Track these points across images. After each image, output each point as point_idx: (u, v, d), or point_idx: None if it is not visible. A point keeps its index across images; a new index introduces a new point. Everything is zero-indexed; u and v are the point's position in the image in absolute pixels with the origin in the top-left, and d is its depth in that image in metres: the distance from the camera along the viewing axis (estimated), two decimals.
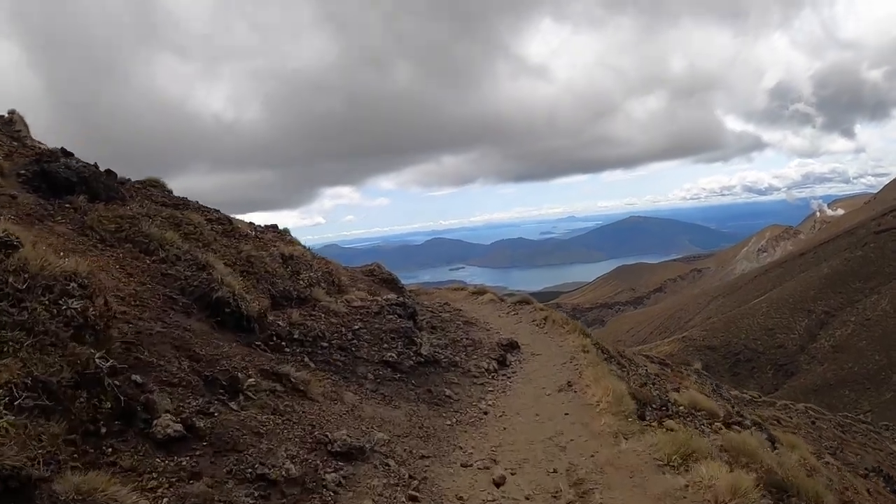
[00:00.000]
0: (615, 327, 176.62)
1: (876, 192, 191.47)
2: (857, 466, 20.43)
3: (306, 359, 7.98)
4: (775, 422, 22.31)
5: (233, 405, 5.62)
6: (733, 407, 19.35)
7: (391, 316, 11.30)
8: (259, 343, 7.59)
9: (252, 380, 6.04)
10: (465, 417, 8.60)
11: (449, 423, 8.24)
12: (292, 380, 6.63)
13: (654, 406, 10.05)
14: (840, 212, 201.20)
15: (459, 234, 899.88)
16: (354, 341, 9.46)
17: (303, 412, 6.20)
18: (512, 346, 13.41)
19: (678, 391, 16.04)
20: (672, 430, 7.77)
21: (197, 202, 12.81)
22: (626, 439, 7.33)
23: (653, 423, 8.37)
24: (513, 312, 18.50)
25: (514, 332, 15.69)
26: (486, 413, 9.13)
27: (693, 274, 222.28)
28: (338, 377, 8.00)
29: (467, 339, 13.37)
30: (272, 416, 5.81)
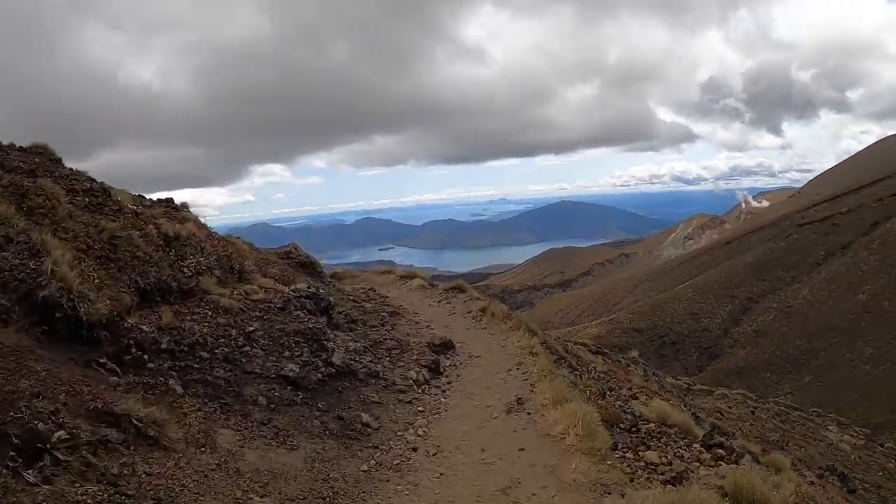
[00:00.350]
0: (544, 309, 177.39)
1: (800, 186, 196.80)
2: (811, 464, 19.44)
3: (173, 380, 5.77)
4: (718, 413, 21.20)
5: (29, 475, 3.52)
6: (686, 405, 17.86)
7: (299, 312, 9.29)
8: (103, 361, 5.29)
9: (66, 431, 3.83)
10: (388, 457, 6.60)
11: (365, 467, 6.21)
12: (136, 423, 4.32)
13: (622, 426, 8.18)
14: (765, 204, 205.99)
15: (390, 215, 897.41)
16: (246, 349, 7.29)
17: (146, 476, 4.03)
18: (446, 345, 11.56)
19: (637, 398, 14.44)
20: (654, 465, 6.15)
21: (72, 169, 10.30)
22: (610, 495, 5.41)
23: (627, 455, 6.75)
24: (445, 301, 16.87)
25: (448, 326, 14.07)
26: (415, 449, 7.12)
27: (621, 259, 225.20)
28: (215, 405, 5.82)
29: (392, 338, 11.34)
30: (95, 490, 3.68)
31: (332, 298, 11.25)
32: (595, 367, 17.06)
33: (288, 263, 15.90)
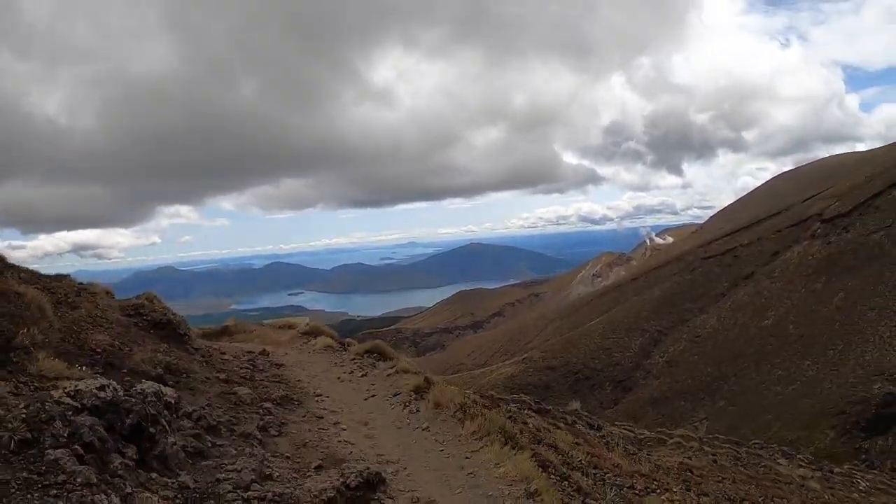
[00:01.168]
0: (456, 351, 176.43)
1: (702, 222, 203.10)
2: None
3: None
4: (688, 472, 18.84)
5: None
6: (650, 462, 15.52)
7: (61, 451, 4.76)
8: None
9: None
10: None
11: None
12: None
13: None
14: (669, 240, 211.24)
15: (299, 259, 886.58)
16: None
17: None
18: (370, 484, 6.58)
19: (652, 491, 11.47)
20: None
21: None
22: None
23: None
24: (360, 371, 12.92)
25: (368, 423, 9.41)
26: None
27: (531, 298, 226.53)
28: None
29: (270, 474, 6.43)
30: None
31: (151, 408, 6.11)
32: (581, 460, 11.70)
33: (136, 323, 10.94)
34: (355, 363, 13.72)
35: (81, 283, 12.42)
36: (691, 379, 76.11)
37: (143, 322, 11.21)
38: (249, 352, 13.17)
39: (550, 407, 20.08)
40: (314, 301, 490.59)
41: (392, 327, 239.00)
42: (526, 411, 17.02)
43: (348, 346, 15.82)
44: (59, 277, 12.16)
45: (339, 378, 12.47)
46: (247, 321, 19.74)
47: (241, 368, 11.35)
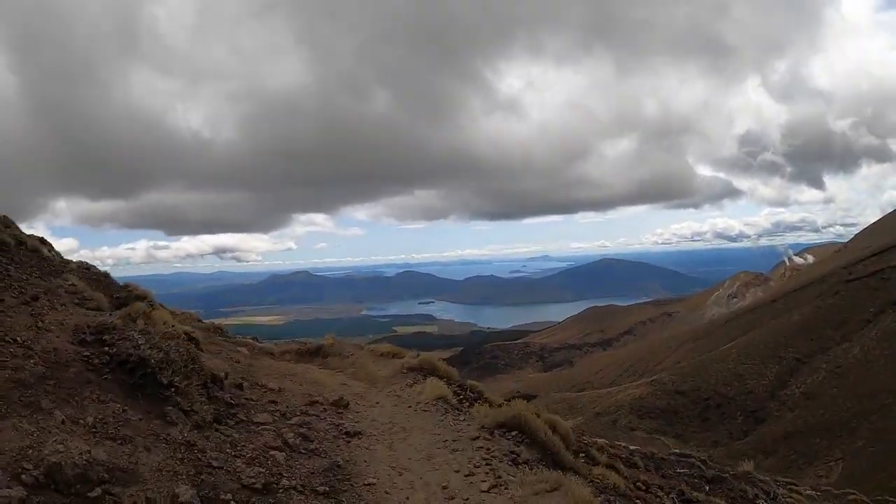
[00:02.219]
0: (584, 368, 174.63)
1: (846, 241, 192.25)
2: None
3: None
4: None
5: None
6: None
7: None
8: None
9: None
10: None
11: None
12: None
13: None
14: (810, 259, 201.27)
15: (431, 269, 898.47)
16: None
17: None
18: None
19: None
20: None
21: None
22: None
23: None
24: (493, 475, 7.99)
25: None
26: None
27: (663, 317, 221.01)
28: None
29: None
30: None
31: None
32: None
33: (88, 358, 7.39)
34: (485, 449, 8.84)
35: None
36: (829, 414, 72.07)
37: (101, 359, 7.44)
38: (313, 402, 10.19)
39: (727, 474, 15.18)
40: (444, 311, 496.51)
41: (520, 341, 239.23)
42: (697, 479, 13.64)
43: (472, 402, 11.71)
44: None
45: (450, 469, 8.18)
46: (348, 343, 18.03)
47: (270, 451, 7.47)
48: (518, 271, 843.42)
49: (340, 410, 10.41)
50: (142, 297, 14.56)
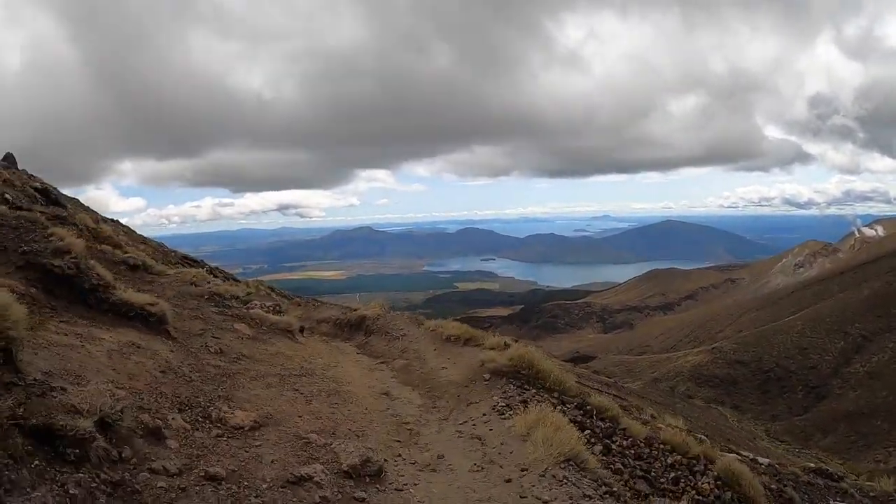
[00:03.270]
0: (644, 331, 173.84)
1: None
2: None
3: None
4: None
5: None
6: None
7: None
8: None
9: None
10: None
11: None
12: None
13: None
14: (880, 232, 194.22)
15: (492, 226, 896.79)
16: None
17: None
18: None
19: None
20: None
21: None
22: None
23: None
24: None
25: None
26: None
27: (727, 283, 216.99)
28: None
29: None
30: None
31: None
32: None
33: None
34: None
35: None
36: (893, 396, 70.72)
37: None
38: (309, 459, 6.24)
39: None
40: (505, 268, 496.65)
41: (580, 301, 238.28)
42: None
43: (609, 446, 8.36)
44: None
45: None
46: (400, 314, 14.75)
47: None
48: (582, 230, 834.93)
49: (363, 489, 5.99)
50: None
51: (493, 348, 11.04)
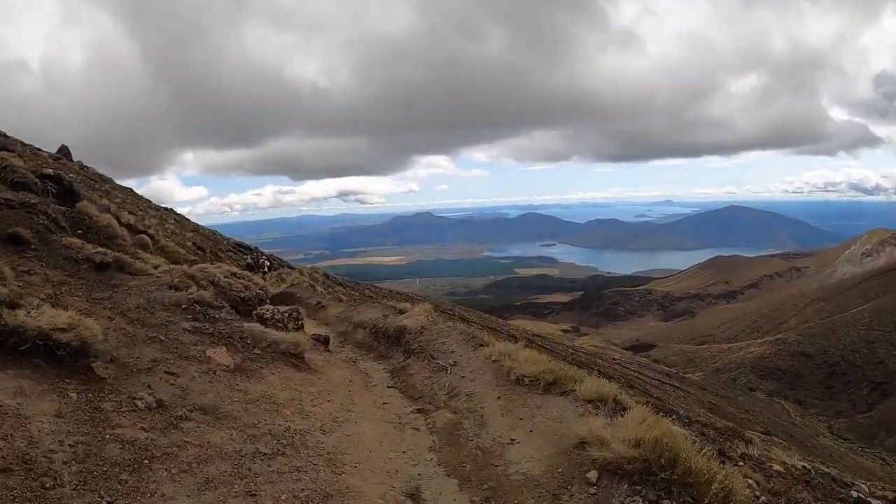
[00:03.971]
0: (706, 320, 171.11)
1: None
2: None
3: None
4: None
5: None
6: None
7: None
8: None
9: None
10: None
11: None
12: None
13: None
14: None
15: (553, 211, 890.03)
16: None
17: None
18: None
19: None
20: None
21: None
22: None
23: None
24: None
25: None
26: None
27: (791, 272, 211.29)
28: None
29: None
30: None
31: None
32: None
33: None
34: None
35: None
36: None
37: None
38: None
39: None
40: (565, 254, 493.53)
41: (641, 287, 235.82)
42: None
43: None
44: None
45: None
46: (452, 327, 11.78)
47: None
48: (643, 215, 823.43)
49: None
50: None
51: (592, 402, 7.07)
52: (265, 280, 33.42)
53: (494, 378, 8.63)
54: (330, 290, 34.14)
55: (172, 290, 9.92)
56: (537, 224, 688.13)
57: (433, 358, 10.24)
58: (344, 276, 66.57)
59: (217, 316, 9.65)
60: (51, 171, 17.24)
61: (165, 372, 7.11)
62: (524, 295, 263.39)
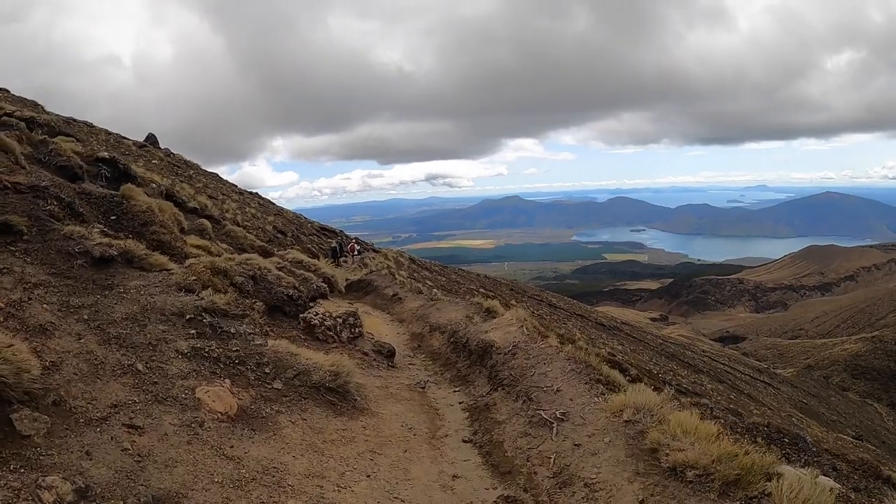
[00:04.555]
0: (798, 313, 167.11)
1: None
2: None
3: None
4: None
5: None
6: None
7: None
8: None
9: None
10: None
11: None
12: None
13: None
14: None
15: (643, 195, 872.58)
16: None
17: None
18: None
19: None
20: None
21: None
22: None
23: None
24: None
25: None
26: None
27: (890, 265, 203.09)
28: None
29: None
30: None
31: None
32: None
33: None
34: None
35: None
36: None
37: None
38: None
39: None
40: (655, 240, 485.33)
41: (732, 276, 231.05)
42: None
43: None
44: None
45: None
46: (557, 348, 8.73)
47: None
48: (736, 201, 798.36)
49: None
50: None
51: None
52: (349, 263, 34.16)
53: (630, 456, 5.59)
54: (414, 274, 34.68)
55: (182, 293, 8.01)
56: (627, 208, 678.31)
57: (530, 400, 7.41)
58: (432, 259, 68.14)
59: (233, 330, 7.58)
60: (106, 154, 16.54)
61: (125, 425, 5.03)
62: (612, 281, 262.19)
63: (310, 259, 21.18)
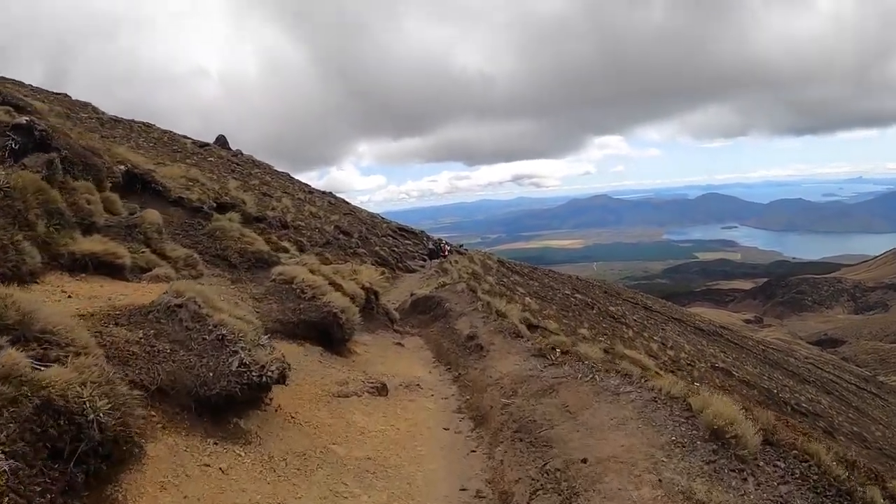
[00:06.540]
0: None
1: None
2: None
3: None
4: None
5: None
6: None
7: None
8: None
9: None
10: None
11: None
12: None
13: None
14: None
15: (734, 191, 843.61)
16: None
17: None
18: None
19: None
20: None
21: None
22: None
23: None
24: None
25: None
26: None
27: None
28: None
29: None
30: None
31: None
32: None
33: None
34: None
35: None
36: None
37: None
38: None
39: None
40: (748, 237, 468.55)
41: (830, 275, 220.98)
42: None
43: None
44: None
45: None
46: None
47: None
48: (832, 194, 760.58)
49: None
50: None
51: None
52: (443, 261, 31.95)
53: None
54: (503, 280, 31.55)
55: (180, 308, 5.72)
56: (718, 205, 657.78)
57: None
58: (520, 260, 67.41)
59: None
60: (23, 120, 11.07)
61: None
62: (704, 281, 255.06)
63: (359, 266, 16.68)
